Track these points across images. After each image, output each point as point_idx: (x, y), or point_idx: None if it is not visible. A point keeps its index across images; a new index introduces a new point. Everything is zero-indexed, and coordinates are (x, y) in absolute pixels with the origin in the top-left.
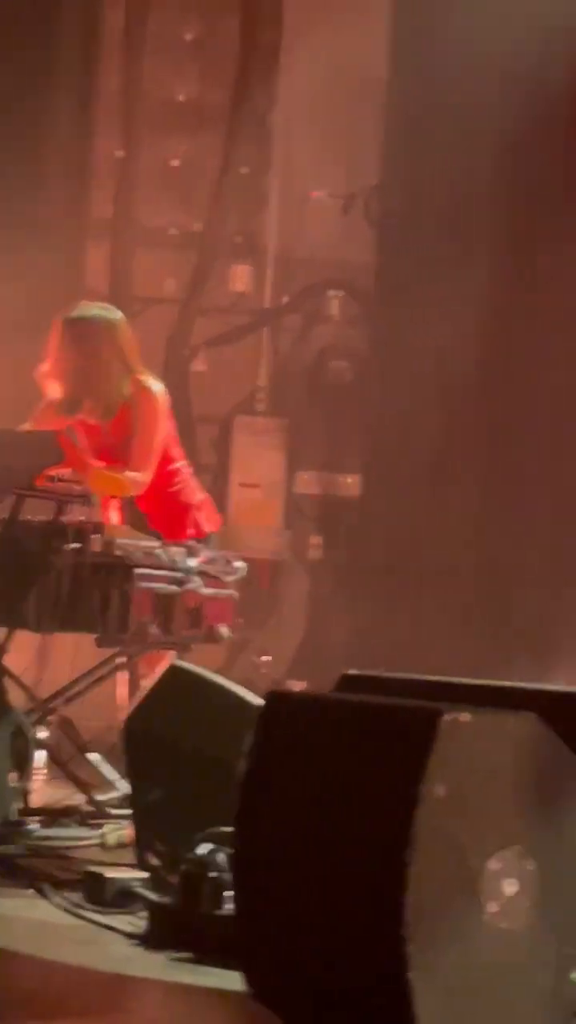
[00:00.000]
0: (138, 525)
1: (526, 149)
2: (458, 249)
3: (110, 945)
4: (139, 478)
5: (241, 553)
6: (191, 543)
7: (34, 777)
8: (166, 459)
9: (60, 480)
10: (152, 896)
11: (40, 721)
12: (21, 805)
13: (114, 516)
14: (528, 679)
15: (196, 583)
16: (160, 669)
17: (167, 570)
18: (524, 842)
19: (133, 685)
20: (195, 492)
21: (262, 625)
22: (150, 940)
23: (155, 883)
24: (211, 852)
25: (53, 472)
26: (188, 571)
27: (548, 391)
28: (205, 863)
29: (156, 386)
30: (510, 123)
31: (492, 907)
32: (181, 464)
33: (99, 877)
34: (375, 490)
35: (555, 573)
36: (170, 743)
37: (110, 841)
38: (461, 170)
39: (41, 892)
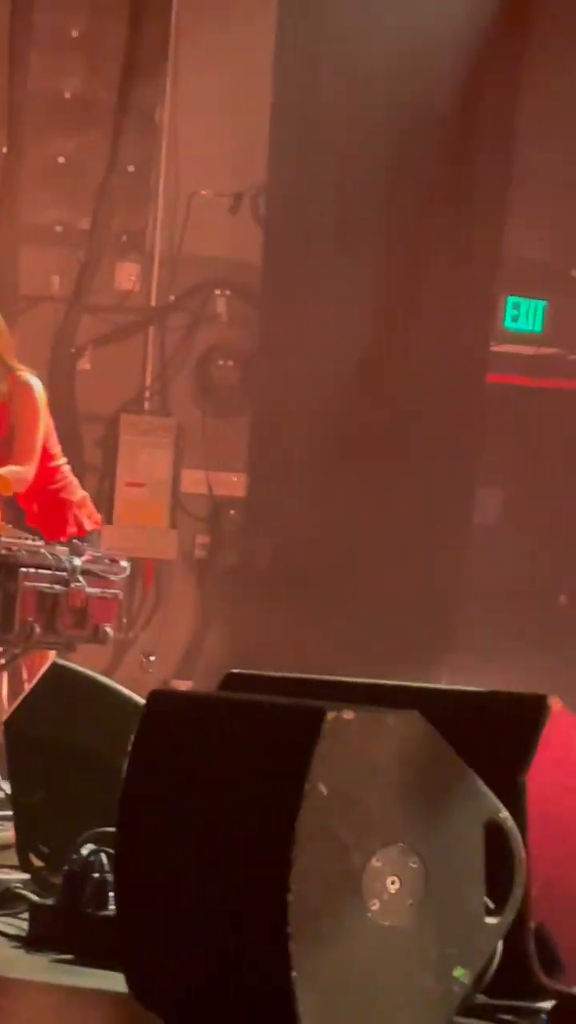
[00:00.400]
0: (16, 523)
1: (412, 150)
2: (344, 250)
3: None
4: (22, 473)
5: (127, 552)
6: (75, 542)
7: None
8: (46, 456)
9: None
10: (34, 897)
11: None
12: None
13: None
14: (411, 677)
15: (81, 582)
16: (42, 669)
17: (52, 569)
18: (407, 840)
19: (15, 686)
20: (76, 490)
21: (148, 625)
22: (32, 941)
23: (38, 884)
24: (94, 853)
25: None
26: (73, 570)
27: (431, 391)
28: (88, 864)
29: (33, 380)
30: (396, 124)
31: (375, 905)
32: (62, 462)
33: None
34: (261, 489)
35: (436, 573)
36: (52, 743)
37: None
38: (347, 171)
39: None
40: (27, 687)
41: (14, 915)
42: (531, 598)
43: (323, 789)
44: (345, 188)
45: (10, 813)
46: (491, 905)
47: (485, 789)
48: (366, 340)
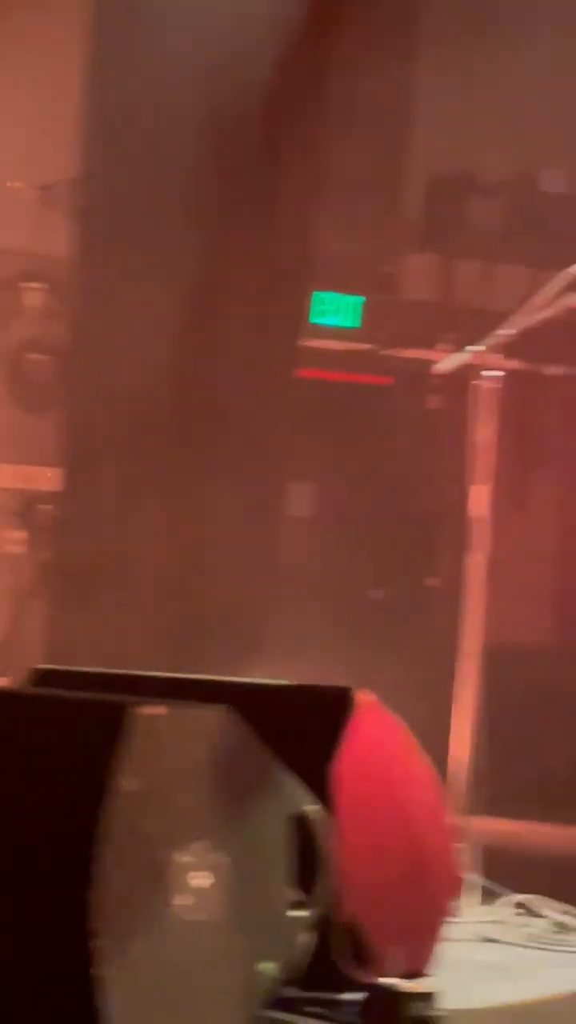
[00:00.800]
0: None
1: (222, 147)
2: (155, 244)
3: None
4: None
5: None
6: None
7: None
8: None
9: None
10: None
11: None
12: None
13: None
14: (225, 672)
15: None
16: None
17: None
18: (215, 835)
19: None
20: None
21: None
22: None
23: None
24: None
25: None
26: None
27: (243, 386)
28: None
29: None
30: (208, 120)
31: (183, 901)
32: None
33: None
34: (76, 484)
35: (249, 567)
36: None
37: None
38: (159, 166)
39: None
40: None
41: None
42: (344, 593)
43: (131, 786)
44: (156, 183)
45: None
46: (300, 898)
47: (293, 783)
48: (178, 335)
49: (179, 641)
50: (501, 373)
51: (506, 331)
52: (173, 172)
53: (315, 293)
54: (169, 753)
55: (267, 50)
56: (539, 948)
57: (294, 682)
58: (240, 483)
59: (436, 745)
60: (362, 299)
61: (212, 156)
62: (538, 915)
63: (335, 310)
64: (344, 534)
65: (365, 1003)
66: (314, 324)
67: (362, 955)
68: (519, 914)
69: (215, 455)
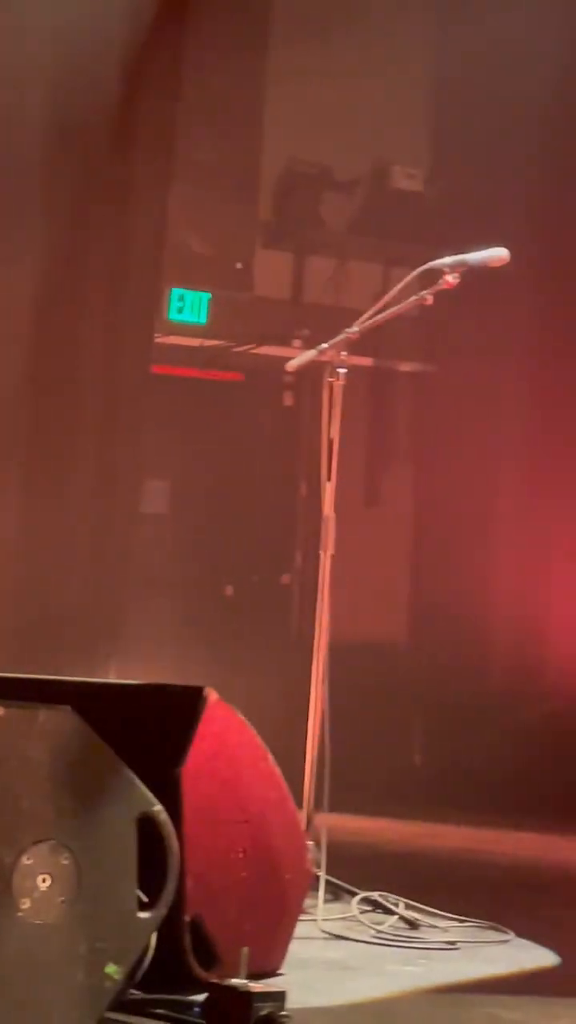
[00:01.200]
0: None
1: (72, 144)
2: (9, 238)
3: None
4: None
5: None
6: None
7: None
8: None
9: None
10: None
11: None
12: None
13: None
14: (78, 669)
15: None
16: None
17: None
18: (58, 837)
19: None
20: None
21: None
22: None
23: None
24: None
25: None
26: None
27: (96, 383)
28: None
29: None
30: (57, 118)
31: (25, 904)
32: None
33: None
34: None
35: (103, 564)
36: None
37: None
38: (5, 164)
39: None
40: None
41: None
42: (198, 590)
43: None
44: (6, 176)
45: None
46: (146, 899)
47: (138, 783)
48: (30, 332)
49: (29, 639)
50: (344, 370)
51: (358, 328)
52: (23, 165)
53: (173, 289)
54: (10, 754)
55: (119, 45)
56: (387, 944)
57: (143, 681)
58: (95, 480)
59: (289, 743)
60: (208, 295)
61: (63, 150)
62: (386, 911)
63: (186, 306)
64: (198, 531)
65: (207, 1003)
66: (171, 321)
67: (209, 955)
68: (367, 911)
69: (70, 452)
